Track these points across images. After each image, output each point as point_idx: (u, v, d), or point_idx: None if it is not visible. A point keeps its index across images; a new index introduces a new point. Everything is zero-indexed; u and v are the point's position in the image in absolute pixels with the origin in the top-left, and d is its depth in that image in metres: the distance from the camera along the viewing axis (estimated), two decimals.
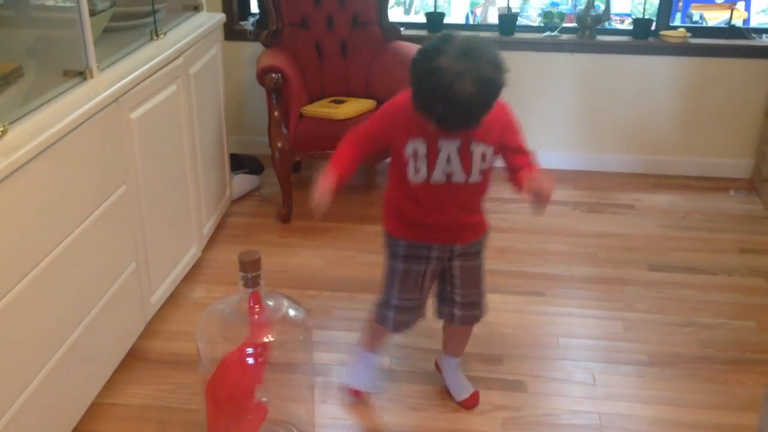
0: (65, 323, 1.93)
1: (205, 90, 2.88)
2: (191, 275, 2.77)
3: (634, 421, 2.13)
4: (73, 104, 1.93)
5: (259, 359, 1.80)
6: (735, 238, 3.14)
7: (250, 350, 1.80)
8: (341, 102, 3.33)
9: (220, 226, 3.13)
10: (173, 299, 2.62)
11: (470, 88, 1.58)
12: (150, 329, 2.44)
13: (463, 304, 2.04)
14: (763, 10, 4.11)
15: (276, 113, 3.13)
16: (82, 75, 2.07)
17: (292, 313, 1.91)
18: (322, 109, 3.28)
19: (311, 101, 3.41)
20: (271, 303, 1.85)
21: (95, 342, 2.07)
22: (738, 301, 2.70)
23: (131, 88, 2.20)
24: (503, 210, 3.37)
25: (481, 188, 1.89)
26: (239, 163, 3.47)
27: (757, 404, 2.19)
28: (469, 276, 2.02)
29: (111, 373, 2.20)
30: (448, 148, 1.79)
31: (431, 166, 1.81)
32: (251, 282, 1.81)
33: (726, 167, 3.69)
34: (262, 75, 3.09)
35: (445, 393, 2.23)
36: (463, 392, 2.20)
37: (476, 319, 2.09)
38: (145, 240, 2.35)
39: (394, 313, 2.06)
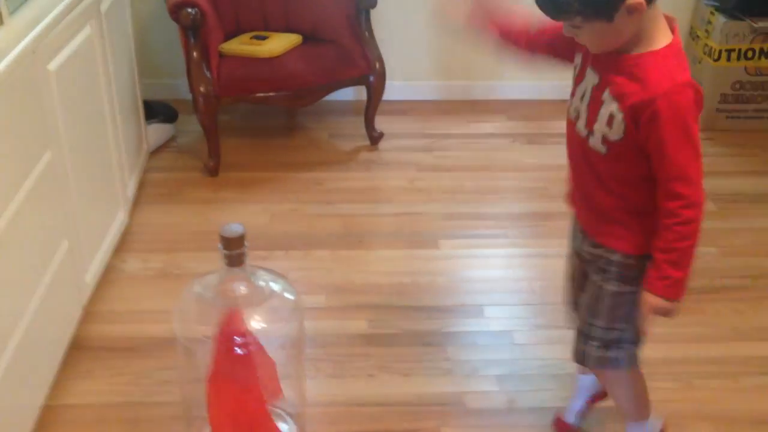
0: (5, 325, 1.61)
1: (116, 30, 2.50)
2: (122, 245, 2.46)
3: None
4: None
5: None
6: None
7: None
8: (264, 38, 3.01)
9: (141, 185, 2.79)
10: (107, 275, 2.31)
11: None
12: (88, 312, 2.14)
13: (577, 330, 1.60)
14: None
15: (195, 54, 2.79)
16: None
17: (278, 288, 1.68)
18: (245, 46, 2.96)
19: (227, 38, 3.07)
20: (262, 283, 1.61)
21: (37, 338, 1.76)
22: None
23: (48, 34, 1.84)
24: (444, 147, 3.22)
25: (608, 167, 1.39)
26: (150, 110, 3.09)
27: (739, 332, 2.20)
28: (586, 295, 1.55)
29: (56, 371, 1.90)
30: (589, 81, 1.37)
31: (573, 90, 1.44)
32: (236, 260, 1.56)
33: None
34: (176, 10, 2.72)
35: (434, 354, 2.08)
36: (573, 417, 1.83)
37: (579, 357, 1.60)
38: (76, 212, 2.03)
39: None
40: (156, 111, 3.12)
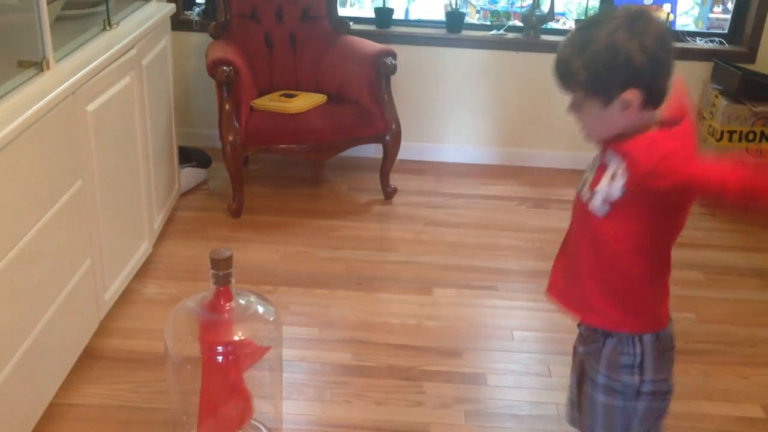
0: (23, 324, 1.86)
1: (156, 82, 2.81)
2: (143, 271, 2.72)
3: None
4: (32, 97, 1.87)
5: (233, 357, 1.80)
6: None
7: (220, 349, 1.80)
8: (292, 96, 3.31)
9: (169, 221, 3.08)
10: (126, 296, 2.57)
11: (562, 44, 1.35)
12: (104, 327, 2.39)
13: None
14: (686, 12, 4.27)
15: (227, 106, 3.09)
16: (38, 66, 2.00)
17: (261, 309, 1.90)
18: (273, 102, 3.26)
19: (260, 94, 3.38)
20: (242, 301, 1.84)
21: (52, 342, 2.01)
22: (677, 293, 2.74)
23: (88, 80, 2.14)
24: (453, 205, 3.43)
25: (606, 230, 1.37)
26: (186, 156, 3.40)
27: (702, 392, 2.31)
28: (587, 403, 1.51)
29: (67, 373, 2.14)
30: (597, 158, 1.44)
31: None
32: (222, 280, 1.79)
33: None
34: (213, 68, 3.04)
35: (409, 387, 2.26)
36: None
37: None
38: (100, 236, 2.29)
39: None
40: (191, 156, 3.43)
